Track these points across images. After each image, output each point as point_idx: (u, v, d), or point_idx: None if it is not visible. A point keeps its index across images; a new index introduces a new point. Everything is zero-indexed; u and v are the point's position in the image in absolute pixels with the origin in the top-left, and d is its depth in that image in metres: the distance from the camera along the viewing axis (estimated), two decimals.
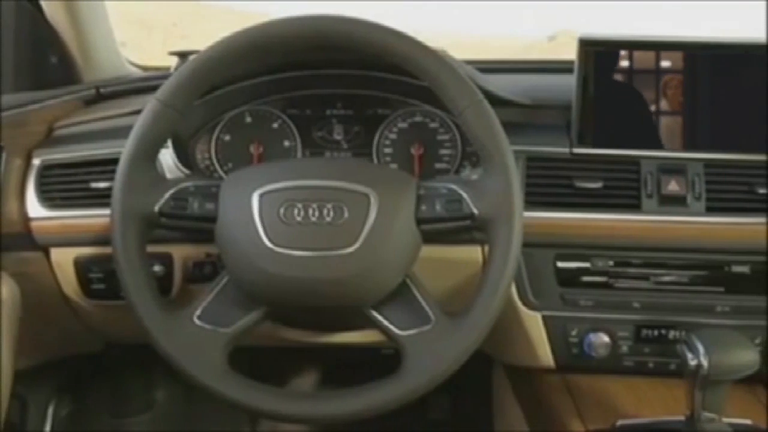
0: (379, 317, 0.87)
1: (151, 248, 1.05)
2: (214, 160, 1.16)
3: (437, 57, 0.86)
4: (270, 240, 0.84)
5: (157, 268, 1.07)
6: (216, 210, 0.88)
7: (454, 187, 0.87)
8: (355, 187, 0.85)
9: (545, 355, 1.09)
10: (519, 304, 1.07)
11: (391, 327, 0.86)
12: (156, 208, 0.88)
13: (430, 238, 0.89)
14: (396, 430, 1.62)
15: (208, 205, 0.89)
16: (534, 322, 1.08)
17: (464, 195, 0.86)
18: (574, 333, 1.07)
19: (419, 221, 0.87)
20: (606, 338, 1.06)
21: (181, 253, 1.07)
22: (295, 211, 0.85)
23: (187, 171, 1.08)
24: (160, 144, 0.90)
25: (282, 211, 0.85)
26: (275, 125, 1.16)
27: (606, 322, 1.07)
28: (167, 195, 0.89)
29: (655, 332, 1.07)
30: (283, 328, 1.14)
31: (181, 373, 0.86)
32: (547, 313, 1.07)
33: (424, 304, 0.87)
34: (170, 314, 0.88)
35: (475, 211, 0.85)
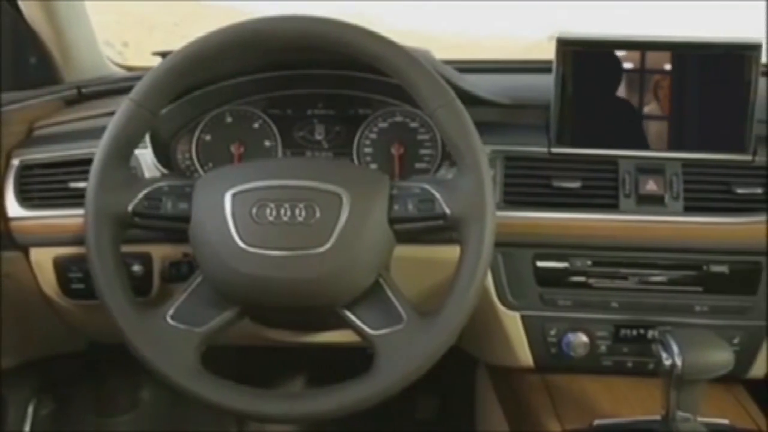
0: (352, 317, 0.87)
1: (131, 248, 1.06)
2: (195, 160, 1.16)
3: (410, 57, 0.86)
4: (242, 240, 0.84)
5: (136, 267, 1.07)
6: (189, 210, 0.88)
7: (427, 186, 0.87)
8: (327, 187, 0.85)
9: (524, 355, 1.09)
10: (498, 303, 1.07)
11: (364, 327, 0.86)
12: (129, 208, 0.88)
13: (403, 237, 0.89)
14: (384, 430, 1.62)
15: (182, 205, 0.89)
16: (513, 321, 1.08)
17: (437, 195, 0.86)
18: (553, 333, 1.07)
19: (392, 221, 0.87)
20: (585, 338, 1.06)
21: (160, 252, 1.07)
22: (267, 211, 0.85)
23: (166, 171, 1.08)
24: (134, 144, 0.90)
25: (254, 210, 0.85)
26: (256, 125, 1.16)
27: (585, 321, 1.07)
28: (141, 195, 0.89)
29: (634, 332, 1.07)
30: (264, 327, 1.15)
31: (154, 372, 0.86)
32: (526, 312, 1.07)
33: (396, 303, 0.87)
34: (143, 313, 0.88)
35: (448, 210, 0.85)
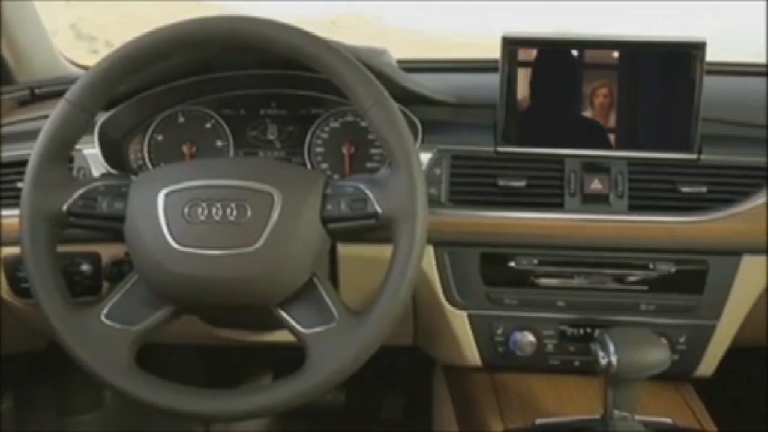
0: (285, 316, 0.87)
1: (79, 247, 1.07)
2: (147, 160, 1.16)
3: (343, 57, 0.86)
4: (174, 239, 0.85)
5: (84, 267, 1.08)
6: (124, 209, 0.88)
7: (360, 186, 0.88)
8: (258, 186, 0.86)
9: (472, 354, 1.09)
10: (445, 303, 1.07)
11: (296, 325, 0.87)
12: (64, 208, 0.89)
13: (337, 236, 0.90)
14: (350, 430, 1.63)
15: (117, 205, 0.89)
16: (460, 320, 1.08)
17: (369, 194, 0.86)
18: (499, 332, 1.07)
19: (324, 220, 0.87)
20: (531, 337, 1.07)
21: (108, 252, 1.07)
22: (199, 210, 0.85)
23: (115, 172, 1.08)
24: (71, 144, 0.91)
25: (186, 210, 0.85)
26: (208, 125, 1.16)
27: (531, 320, 1.07)
28: (76, 195, 0.89)
29: (581, 331, 1.07)
30: (216, 327, 1.15)
31: (87, 371, 0.86)
32: (472, 312, 1.08)
33: (329, 302, 0.87)
34: (77, 313, 0.88)
35: (379, 210, 0.85)
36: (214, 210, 0.85)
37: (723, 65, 1.32)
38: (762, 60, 1.32)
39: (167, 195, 0.86)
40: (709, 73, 1.28)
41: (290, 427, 1.65)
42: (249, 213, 0.85)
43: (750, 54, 1.45)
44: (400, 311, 0.84)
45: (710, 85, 1.04)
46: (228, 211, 0.85)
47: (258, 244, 0.84)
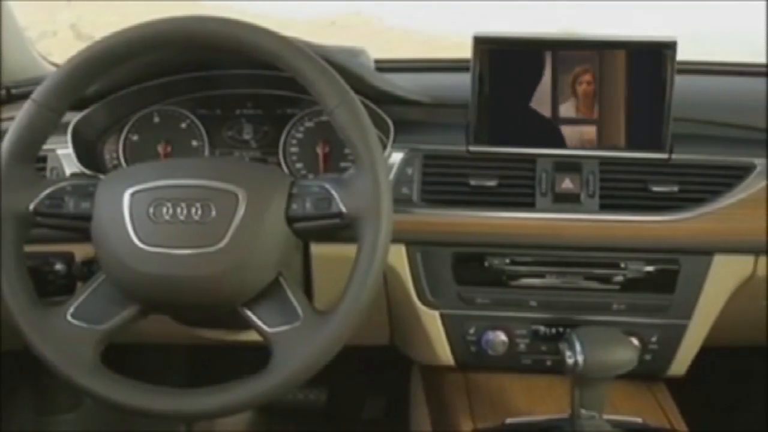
0: (251, 315, 0.87)
1: (53, 247, 1.07)
2: (122, 161, 1.16)
3: (308, 56, 0.86)
4: (139, 239, 0.85)
5: (58, 266, 1.08)
6: (91, 209, 0.88)
7: (326, 185, 0.88)
8: (223, 186, 0.86)
9: (445, 354, 1.10)
10: (417, 302, 1.08)
11: (262, 324, 0.87)
12: (31, 207, 0.89)
13: (303, 236, 0.90)
14: (332, 430, 1.63)
15: (84, 204, 0.89)
16: (432, 320, 1.08)
17: (334, 193, 0.86)
18: (472, 331, 1.08)
19: (290, 219, 0.87)
20: (503, 336, 1.07)
21: (82, 251, 1.08)
22: (164, 210, 0.85)
23: (89, 172, 1.08)
24: (38, 144, 0.91)
25: (151, 210, 0.85)
26: (184, 125, 1.17)
27: (503, 320, 1.07)
28: (43, 194, 0.89)
29: (552, 330, 1.07)
30: (194, 327, 1.15)
31: (52, 370, 0.87)
32: (445, 311, 1.08)
33: (294, 301, 0.87)
34: (43, 312, 0.88)
35: (344, 209, 0.85)
36: (179, 210, 0.85)
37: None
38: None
39: (132, 195, 0.86)
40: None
41: (273, 427, 1.65)
42: (213, 213, 0.85)
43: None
44: (365, 310, 0.84)
45: (682, 84, 1.04)
46: (193, 210, 0.85)
47: (222, 244, 0.84)
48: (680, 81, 1.03)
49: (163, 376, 1.65)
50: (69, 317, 0.88)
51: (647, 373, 1.07)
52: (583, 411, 0.92)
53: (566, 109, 1.05)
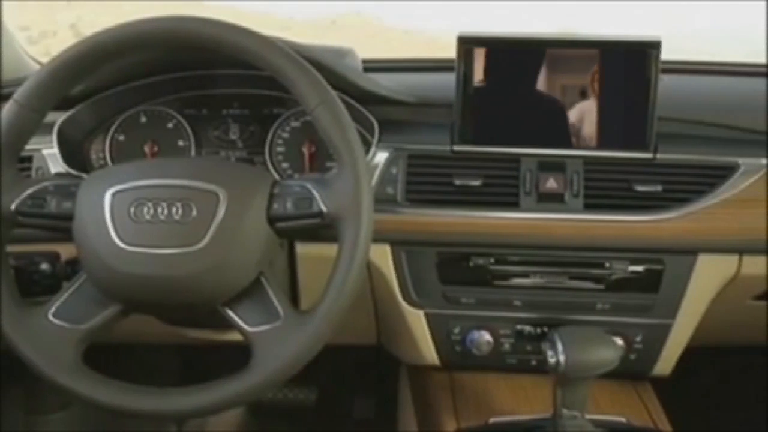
0: (232, 314, 0.87)
1: (39, 246, 1.07)
2: (109, 160, 1.16)
3: (288, 56, 0.86)
4: (120, 238, 0.85)
5: (44, 266, 1.08)
6: (73, 208, 0.89)
7: (307, 185, 0.88)
8: (204, 186, 0.86)
9: (430, 353, 1.10)
10: (402, 302, 1.08)
11: (242, 324, 0.87)
12: (12, 207, 0.89)
13: (285, 235, 0.90)
14: (322, 430, 1.63)
15: (66, 204, 0.89)
16: (417, 320, 1.08)
17: (315, 193, 0.86)
18: (456, 331, 1.08)
19: (271, 219, 0.87)
20: (488, 336, 1.07)
21: (68, 251, 1.07)
22: (145, 210, 0.85)
23: (74, 172, 1.09)
24: (19, 144, 0.91)
25: (132, 209, 0.85)
26: (170, 125, 1.17)
27: (488, 320, 1.07)
28: (25, 194, 0.89)
29: (537, 330, 1.07)
30: (182, 327, 1.16)
31: (33, 369, 0.87)
32: (429, 310, 1.08)
33: (275, 300, 0.87)
34: (25, 311, 0.88)
35: (324, 209, 0.86)
36: (159, 209, 0.85)
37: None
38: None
39: (114, 194, 0.86)
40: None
41: (264, 427, 1.66)
42: (194, 212, 0.85)
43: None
44: (345, 309, 0.84)
45: (667, 83, 1.04)
46: (173, 210, 0.85)
47: (202, 243, 0.84)
48: (670, 81, 1.04)
49: (154, 376, 1.65)
50: (50, 317, 0.88)
51: (632, 372, 1.07)
52: (565, 411, 0.91)
53: (551, 109, 1.05)
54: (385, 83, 1.13)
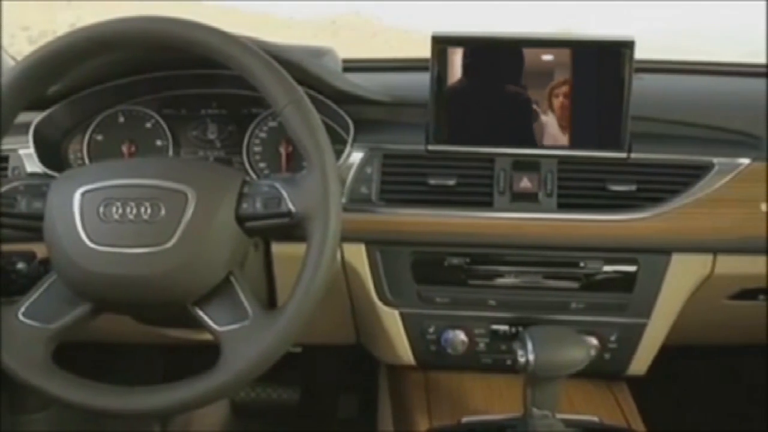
0: (201, 314, 0.87)
1: (16, 246, 1.07)
2: (86, 160, 1.16)
3: (257, 56, 0.87)
4: (89, 238, 0.85)
5: (20, 265, 1.09)
6: (43, 208, 0.89)
7: (276, 185, 0.88)
8: (172, 186, 0.86)
9: (405, 353, 1.10)
10: (377, 301, 1.08)
11: (212, 323, 0.87)
12: None
13: (254, 234, 0.90)
14: (306, 430, 1.63)
15: (36, 204, 0.89)
16: (392, 319, 1.08)
17: (284, 193, 0.87)
18: (431, 330, 1.08)
19: (240, 219, 0.87)
20: (463, 336, 1.07)
21: (44, 251, 1.08)
22: (114, 209, 0.85)
23: (50, 172, 1.09)
24: None
25: (101, 209, 0.86)
26: (148, 125, 1.17)
27: (463, 319, 1.07)
28: None
29: (512, 330, 1.07)
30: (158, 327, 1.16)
31: (5, 368, 0.87)
32: (404, 310, 1.08)
33: (243, 299, 0.87)
34: None
35: (293, 208, 0.86)
36: (128, 209, 0.85)
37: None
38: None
39: (83, 194, 0.87)
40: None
41: (248, 427, 1.66)
42: (163, 212, 0.85)
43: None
44: (313, 308, 0.84)
45: (641, 83, 1.04)
46: (142, 210, 0.85)
47: (171, 243, 0.84)
48: (649, 81, 1.03)
49: (142, 376, 1.65)
50: (20, 316, 0.88)
51: (607, 372, 1.07)
52: (535, 410, 0.91)
53: (525, 108, 1.05)
54: (363, 83, 1.13)
